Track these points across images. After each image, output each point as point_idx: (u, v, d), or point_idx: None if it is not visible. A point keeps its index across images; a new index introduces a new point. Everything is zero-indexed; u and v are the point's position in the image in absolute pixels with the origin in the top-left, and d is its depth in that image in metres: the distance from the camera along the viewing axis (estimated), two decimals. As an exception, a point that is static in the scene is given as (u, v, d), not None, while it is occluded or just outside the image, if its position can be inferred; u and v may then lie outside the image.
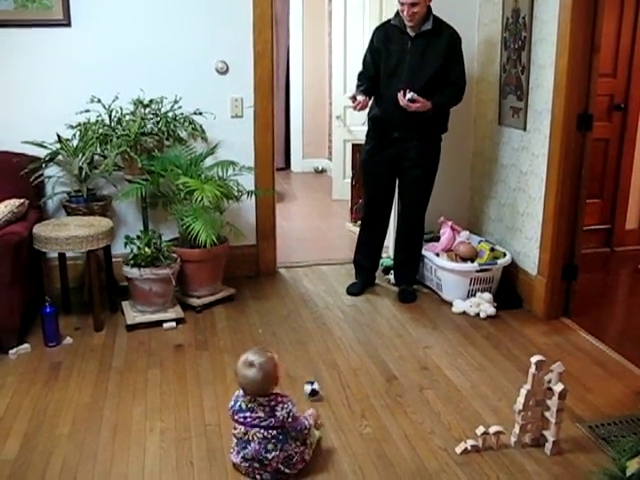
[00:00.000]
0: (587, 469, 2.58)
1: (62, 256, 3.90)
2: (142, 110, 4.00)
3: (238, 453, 2.53)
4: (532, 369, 2.62)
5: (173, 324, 3.80)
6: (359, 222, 4.55)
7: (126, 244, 3.87)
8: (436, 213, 4.39)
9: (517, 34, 4.07)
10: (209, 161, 4.19)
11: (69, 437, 2.77)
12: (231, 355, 3.49)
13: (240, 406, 2.53)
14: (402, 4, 3.75)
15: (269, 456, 2.47)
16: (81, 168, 3.92)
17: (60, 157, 4.02)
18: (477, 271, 4.08)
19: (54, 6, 3.97)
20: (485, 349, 3.59)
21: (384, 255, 4.57)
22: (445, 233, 4.32)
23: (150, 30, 4.14)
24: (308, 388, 3.07)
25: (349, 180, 6.15)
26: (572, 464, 2.63)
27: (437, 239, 4.39)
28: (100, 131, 3.89)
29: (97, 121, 3.96)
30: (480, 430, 2.70)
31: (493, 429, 2.71)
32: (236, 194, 4.12)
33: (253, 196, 4.32)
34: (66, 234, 3.59)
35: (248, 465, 2.51)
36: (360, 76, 4.08)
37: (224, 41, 4.25)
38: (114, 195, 4.15)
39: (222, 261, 4.14)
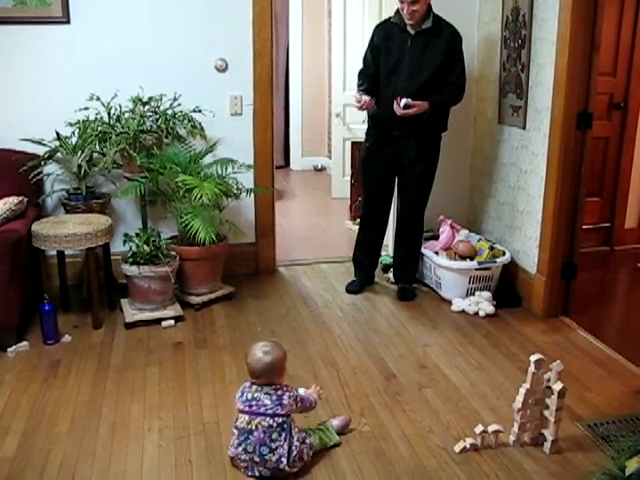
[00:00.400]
0: (586, 468, 2.58)
1: (61, 254, 3.90)
2: (141, 108, 3.99)
3: (239, 445, 2.51)
4: (531, 368, 2.62)
5: (172, 322, 3.80)
6: (358, 220, 4.55)
7: (125, 242, 3.87)
8: (435, 211, 4.39)
9: (517, 32, 4.07)
10: (208, 159, 4.19)
11: (68, 435, 2.77)
12: (230, 353, 3.48)
13: (246, 396, 2.54)
14: (402, 2, 3.74)
15: (272, 446, 2.47)
16: (80, 166, 3.92)
17: (59, 155, 4.02)
18: (476, 269, 4.08)
19: (53, 3, 3.96)
20: (484, 348, 3.59)
21: (383, 253, 4.57)
22: (444, 231, 4.32)
23: (149, 27, 4.13)
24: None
25: (348, 178, 6.15)
26: (571, 463, 2.63)
27: (436, 237, 4.39)
28: (99, 129, 3.89)
29: (96, 119, 3.95)
30: (479, 429, 2.70)
31: (492, 428, 2.70)
32: (235, 192, 4.11)
33: (252, 194, 4.32)
34: (65, 232, 3.58)
35: (248, 459, 2.50)
36: (360, 75, 4.07)
37: (223, 39, 4.24)
38: (113, 193, 4.14)
39: (221, 259, 4.14)
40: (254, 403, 2.51)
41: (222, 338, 3.66)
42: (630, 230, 5.30)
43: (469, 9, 4.53)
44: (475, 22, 4.56)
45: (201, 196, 3.73)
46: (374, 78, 3.98)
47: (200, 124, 4.20)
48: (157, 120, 3.99)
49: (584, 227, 4.05)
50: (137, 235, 3.87)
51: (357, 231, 4.44)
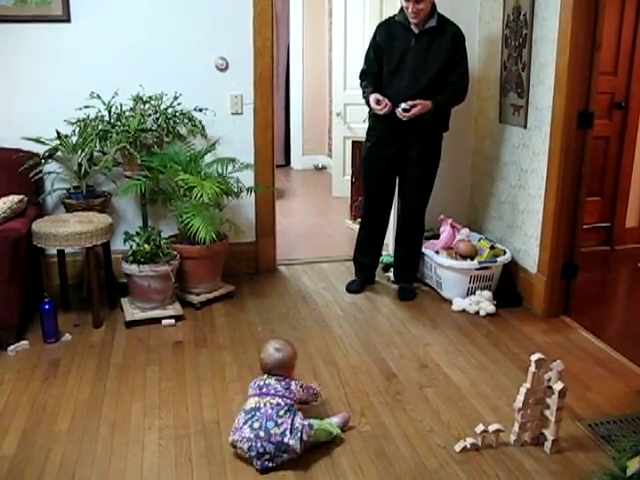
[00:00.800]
0: (587, 468, 2.57)
1: (61, 252, 3.90)
2: (142, 106, 3.99)
3: (245, 423, 2.56)
4: (532, 367, 2.61)
5: (172, 321, 3.80)
6: (359, 220, 4.55)
7: (125, 241, 3.87)
8: (436, 211, 4.39)
9: (518, 31, 4.06)
10: (209, 158, 4.18)
11: (68, 434, 2.77)
12: (230, 352, 3.48)
13: (258, 384, 2.70)
14: (407, 0, 3.72)
15: (279, 421, 2.54)
16: (80, 164, 3.92)
17: (59, 153, 4.02)
18: (477, 269, 4.07)
19: (53, 2, 3.96)
20: (485, 347, 3.59)
21: (384, 253, 4.57)
22: (445, 231, 4.32)
23: (150, 26, 4.13)
24: None
25: (349, 177, 6.14)
26: (572, 463, 2.63)
27: (437, 237, 4.39)
28: (99, 127, 3.89)
29: (96, 117, 3.96)
30: (479, 428, 2.70)
31: (493, 427, 2.70)
32: (236, 191, 4.11)
33: (253, 193, 4.32)
34: (65, 230, 3.58)
35: (253, 436, 2.52)
36: (363, 74, 4.05)
37: (224, 38, 4.24)
38: (113, 191, 4.14)
39: (221, 258, 4.13)
40: (264, 387, 2.67)
41: (222, 337, 3.66)
42: (631, 229, 5.30)
43: (470, 8, 4.53)
44: (476, 21, 4.55)
45: (201, 195, 3.73)
46: (377, 77, 3.97)
47: (201, 123, 4.20)
48: (158, 119, 3.99)
49: (585, 227, 4.05)
50: (137, 234, 3.87)
51: (357, 231, 4.43)
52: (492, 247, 4.19)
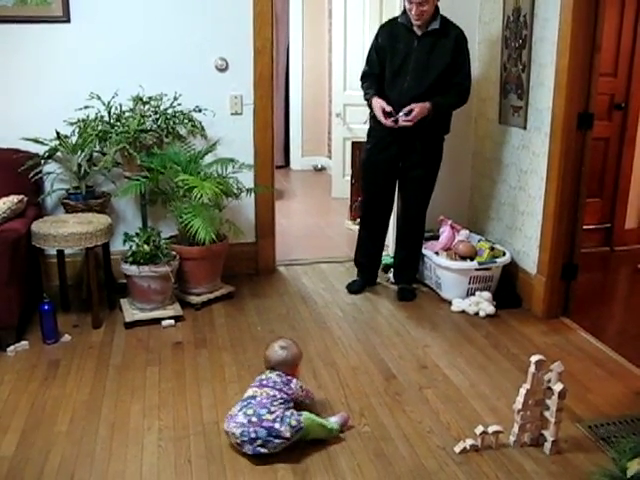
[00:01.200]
0: (586, 469, 2.57)
1: (61, 253, 3.89)
2: (141, 107, 3.99)
3: (239, 410, 2.64)
4: (532, 368, 2.61)
5: (172, 322, 3.79)
6: (358, 220, 4.54)
7: (125, 241, 3.86)
8: (436, 212, 4.38)
9: (518, 33, 4.06)
10: (208, 158, 4.18)
11: (67, 434, 2.76)
12: (230, 353, 3.48)
13: (260, 377, 2.81)
14: (410, 2, 3.71)
15: (272, 409, 2.62)
16: (80, 165, 3.92)
17: (59, 154, 4.02)
18: (476, 270, 4.07)
19: (53, 2, 3.96)
20: (484, 348, 3.59)
21: (384, 253, 4.55)
22: (445, 232, 4.32)
23: (150, 27, 4.13)
24: None
25: (348, 178, 6.15)
26: (571, 464, 2.62)
27: (437, 238, 4.38)
28: (99, 128, 3.89)
29: (96, 118, 3.95)
30: (479, 429, 2.69)
31: (492, 428, 2.70)
32: (235, 191, 4.11)
33: (252, 193, 4.31)
34: (65, 231, 3.58)
35: (246, 421, 2.58)
36: (365, 77, 4.04)
37: (224, 38, 4.23)
38: (113, 192, 4.14)
39: (221, 259, 4.13)
40: (265, 380, 2.77)
41: (222, 338, 3.66)
42: (630, 231, 5.30)
43: (470, 9, 4.53)
44: (476, 22, 4.55)
45: (201, 196, 3.73)
46: (379, 79, 3.96)
47: (200, 123, 4.20)
48: (157, 119, 3.99)
49: (584, 228, 4.04)
50: (137, 234, 3.86)
51: (358, 232, 4.42)
52: (492, 248, 4.19)
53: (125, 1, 4.07)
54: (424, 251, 4.28)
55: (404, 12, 3.84)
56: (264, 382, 2.75)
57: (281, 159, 8.18)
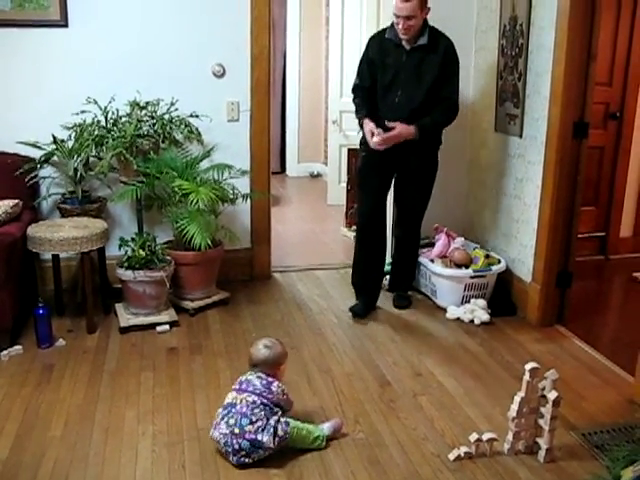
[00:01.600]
0: (581, 477, 2.57)
1: (56, 257, 3.88)
2: (138, 112, 3.99)
3: (222, 419, 2.62)
4: (526, 376, 2.62)
5: (166, 327, 3.79)
6: (354, 227, 4.52)
7: (120, 246, 3.86)
8: (431, 219, 4.38)
9: (514, 41, 4.08)
10: (205, 164, 4.18)
11: (61, 439, 2.76)
12: (224, 359, 3.47)
13: (240, 379, 2.75)
14: (397, 17, 3.61)
15: (253, 418, 2.58)
16: (76, 169, 3.92)
17: (55, 158, 4.02)
18: (471, 277, 4.08)
19: (51, 6, 3.96)
20: (479, 356, 3.59)
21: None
22: (440, 239, 4.33)
23: (147, 32, 4.13)
24: None
25: (344, 185, 6.15)
26: (565, 472, 2.63)
27: (432, 245, 4.39)
28: (96, 132, 3.88)
29: (93, 122, 3.95)
30: (473, 437, 2.70)
31: (486, 436, 2.70)
32: (231, 197, 4.11)
33: (248, 199, 4.32)
34: (60, 235, 3.57)
35: (228, 432, 2.57)
36: (356, 89, 3.94)
37: (221, 44, 4.24)
38: (109, 197, 4.13)
39: (216, 264, 4.13)
40: (245, 383, 2.71)
41: (217, 344, 3.65)
42: (625, 239, 5.32)
43: (466, 17, 4.55)
44: (472, 31, 4.57)
45: (197, 201, 3.73)
46: (370, 92, 3.87)
47: (197, 129, 4.20)
48: (154, 125, 3.99)
49: (579, 236, 4.05)
50: (132, 239, 3.87)
51: (354, 251, 4.21)
52: (487, 256, 4.20)
53: (123, 6, 4.07)
54: (419, 259, 4.29)
55: (392, 26, 3.73)
56: (244, 386, 2.69)
57: (277, 165, 8.19)
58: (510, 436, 2.70)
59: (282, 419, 2.65)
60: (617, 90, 4.97)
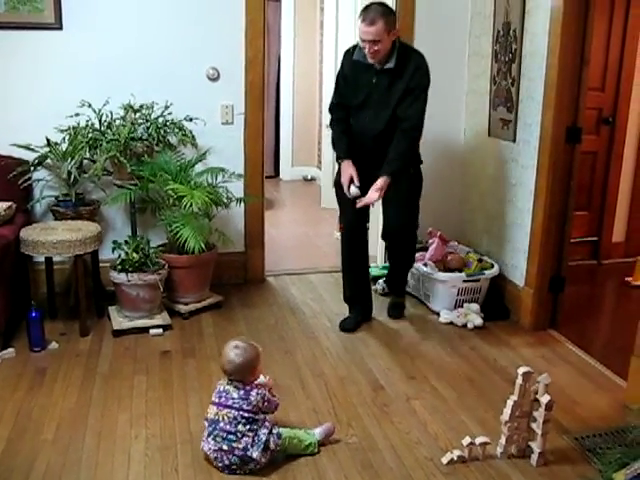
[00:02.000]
0: (573, 481, 2.59)
1: (49, 260, 3.88)
2: (132, 115, 3.99)
3: (209, 435, 2.60)
4: (519, 380, 2.62)
5: (160, 330, 3.78)
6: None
7: (114, 249, 3.85)
8: (425, 223, 4.39)
9: (508, 47, 4.10)
10: (199, 167, 4.18)
11: (53, 443, 2.75)
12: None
13: (219, 388, 2.66)
14: (363, 41, 3.44)
15: (239, 435, 2.55)
16: (70, 172, 3.91)
17: (49, 161, 4.01)
18: (465, 281, 4.09)
19: (46, 9, 3.96)
20: (472, 360, 3.60)
21: (372, 264, 4.54)
22: (434, 243, 4.33)
23: (142, 35, 4.13)
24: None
25: (338, 189, 6.14)
26: (558, 475, 2.63)
27: (425, 249, 4.39)
28: (90, 135, 3.88)
29: (87, 125, 3.95)
30: (466, 440, 2.70)
31: (479, 440, 2.71)
32: (225, 201, 4.11)
33: (242, 203, 4.31)
34: (53, 238, 3.57)
35: (217, 448, 2.56)
36: (333, 108, 3.82)
37: (215, 48, 4.25)
38: (103, 200, 4.13)
39: (210, 268, 4.13)
40: (223, 395, 2.63)
41: (210, 347, 3.65)
42: (617, 244, 5.34)
43: (460, 23, 4.56)
44: (466, 36, 4.59)
45: (191, 204, 3.73)
46: (348, 111, 3.74)
47: (191, 132, 4.19)
48: (148, 128, 3.99)
49: (572, 241, 4.07)
50: (126, 243, 3.86)
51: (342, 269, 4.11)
52: (480, 260, 4.21)
53: (118, 10, 4.07)
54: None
55: (360, 47, 3.54)
56: (222, 400, 2.61)
57: (271, 169, 8.18)
58: (503, 440, 2.71)
59: (274, 431, 2.62)
60: (610, 95, 5.00)
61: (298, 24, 7.95)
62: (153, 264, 3.78)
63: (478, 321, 3.98)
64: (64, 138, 3.97)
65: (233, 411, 2.57)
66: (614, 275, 5.03)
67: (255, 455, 2.55)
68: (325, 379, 3.34)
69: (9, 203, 3.74)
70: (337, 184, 3.86)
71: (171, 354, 3.56)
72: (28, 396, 3.10)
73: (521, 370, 2.62)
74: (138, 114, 4.01)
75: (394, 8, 4.43)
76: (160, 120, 4.04)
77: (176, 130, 4.10)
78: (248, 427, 2.57)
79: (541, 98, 3.78)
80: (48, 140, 3.94)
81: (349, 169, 3.69)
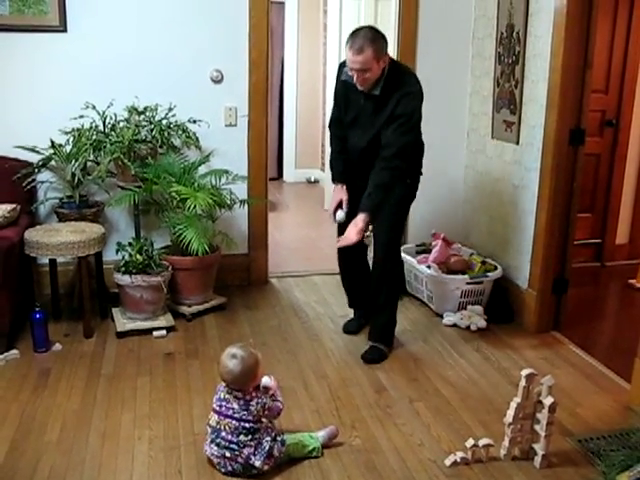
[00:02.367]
0: (576, 483, 2.59)
1: (53, 262, 3.89)
2: (136, 117, 3.99)
3: (212, 442, 2.59)
4: (522, 382, 2.62)
5: (163, 332, 3.79)
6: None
7: (118, 251, 3.86)
8: (428, 225, 4.41)
9: (511, 49, 4.10)
10: (202, 169, 4.19)
11: (57, 444, 2.75)
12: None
13: (219, 396, 2.62)
14: (352, 69, 3.26)
15: (241, 444, 2.54)
16: (74, 174, 3.92)
17: (53, 163, 4.02)
18: (468, 283, 4.09)
19: (50, 12, 3.97)
20: (475, 362, 3.60)
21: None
22: (437, 245, 4.33)
23: (146, 38, 4.15)
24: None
25: (341, 191, 6.14)
26: (561, 477, 2.63)
27: (429, 251, 4.40)
28: (94, 137, 3.89)
29: (91, 127, 3.95)
30: (470, 442, 2.70)
31: (483, 442, 2.71)
32: (229, 203, 4.12)
33: (246, 205, 4.32)
34: (57, 240, 3.57)
35: (220, 455, 2.56)
36: (332, 123, 3.69)
37: (219, 50, 4.26)
38: (106, 201, 4.13)
39: (213, 270, 4.13)
40: (224, 404, 2.59)
41: (213, 349, 3.65)
42: (621, 246, 5.33)
43: (464, 25, 4.56)
44: (469, 38, 4.59)
45: (195, 206, 3.73)
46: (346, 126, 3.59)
47: (195, 134, 4.20)
48: (152, 130, 3.99)
49: (575, 243, 4.07)
50: (130, 244, 3.87)
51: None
52: (483, 262, 4.21)
53: (121, 12, 4.08)
54: (416, 264, 4.29)
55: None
56: (223, 409, 2.58)
57: (274, 171, 8.18)
58: (506, 442, 2.71)
59: (278, 438, 2.62)
60: (613, 97, 5.00)
61: (302, 26, 7.95)
62: (157, 266, 3.79)
63: (481, 323, 3.98)
64: (68, 140, 3.98)
65: (234, 422, 2.55)
66: (617, 277, 5.02)
67: (258, 464, 2.55)
68: (328, 381, 3.35)
69: (13, 205, 3.75)
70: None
71: (175, 356, 3.57)
72: (32, 397, 3.11)
73: (524, 372, 2.63)
74: (142, 116, 4.02)
75: (397, 10, 4.46)
76: (164, 122, 4.05)
77: (180, 132, 4.10)
78: (250, 437, 2.55)
79: (544, 100, 3.78)
80: (52, 142, 3.95)
81: (340, 194, 3.60)
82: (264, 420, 2.60)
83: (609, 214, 5.22)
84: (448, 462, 2.68)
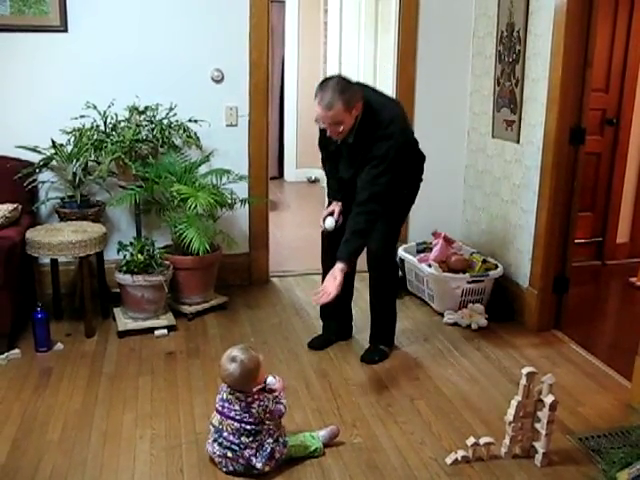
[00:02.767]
0: (577, 481, 2.59)
1: (54, 261, 3.89)
2: (137, 117, 4.00)
3: (214, 441, 2.59)
4: (523, 380, 2.63)
5: (165, 331, 3.80)
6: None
7: (119, 250, 3.87)
8: (429, 224, 4.41)
9: (511, 48, 4.10)
10: (203, 169, 4.19)
11: (59, 443, 2.76)
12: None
13: (222, 396, 2.61)
14: (323, 123, 3.18)
15: (242, 445, 2.54)
16: (75, 174, 3.93)
17: (54, 162, 4.03)
18: (469, 282, 4.09)
19: (51, 12, 3.97)
20: (476, 360, 3.60)
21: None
22: (438, 244, 4.34)
23: (147, 37, 4.15)
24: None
25: (342, 190, 6.15)
26: (562, 476, 2.64)
27: (429, 250, 4.40)
28: (95, 137, 3.89)
29: (92, 127, 3.96)
30: (470, 441, 2.70)
31: (483, 440, 2.71)
32: (229, 202, 4.12)
33: (246, 204, 4.33)
34: (59, 239, 3.58)
35: (222, 454, 2.57)
36: (320, 148, 3.61)
37: (220, 49, 4.26)
38: (108, 201, 4.14)
39: (214, 269, 4.14)
40: (226, 405, 2.59)
41: (215, 348, 3.66)
42: (622, 245, 5.33)
43: (464, 24, 4.57)
44: (470, 36, 4.59)
45: (196, 206, 3.74)
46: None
47: (195, 134, 4.20)
48: (153, 129, 4.00)
49: (576, 241, 4.07)
50: (131, 244, 3.87)
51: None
52: (484, 261, 4.22)
53: (122, 12, 4.09)
54: (417, 263, 4.29)
55: None
56: (225, 409, 2.57)
57: (275, 170, 8.19)
58: (507, 440, 2.71)
59: (280, 439, 2.61)
60: (614, 96, 5.00)
61: (302, 26, 7.96)
62: (158, 265, 3.79)
63: (482, 322, 3.99)
64: (69, 140, 3.98)
65: (235, 423, 2.55)
66: (618, 276, 5.02)
67: (259, 466, 2.55)
68: (329, 380, 3.35)
69: (15, 205, 3.76)
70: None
71: (176, 355, 3.58)
72: (34, 397, 3.11)
73: (525, 370, 2.63)
74: (143, 116, 4.02)
75: (398, 9, 4.47)
76: (165, 122, 4.05)
77: (181, 132, 4.11)
78: (251, 438, 2.55)
79: (545, 99, 3.78)
80: (53, 142, 3.96)
81: (334, 205, 3.52)
82: (267, 422, 2.59)
83: (610, 213, 5.23)
84: (449, 460, 2.69)
